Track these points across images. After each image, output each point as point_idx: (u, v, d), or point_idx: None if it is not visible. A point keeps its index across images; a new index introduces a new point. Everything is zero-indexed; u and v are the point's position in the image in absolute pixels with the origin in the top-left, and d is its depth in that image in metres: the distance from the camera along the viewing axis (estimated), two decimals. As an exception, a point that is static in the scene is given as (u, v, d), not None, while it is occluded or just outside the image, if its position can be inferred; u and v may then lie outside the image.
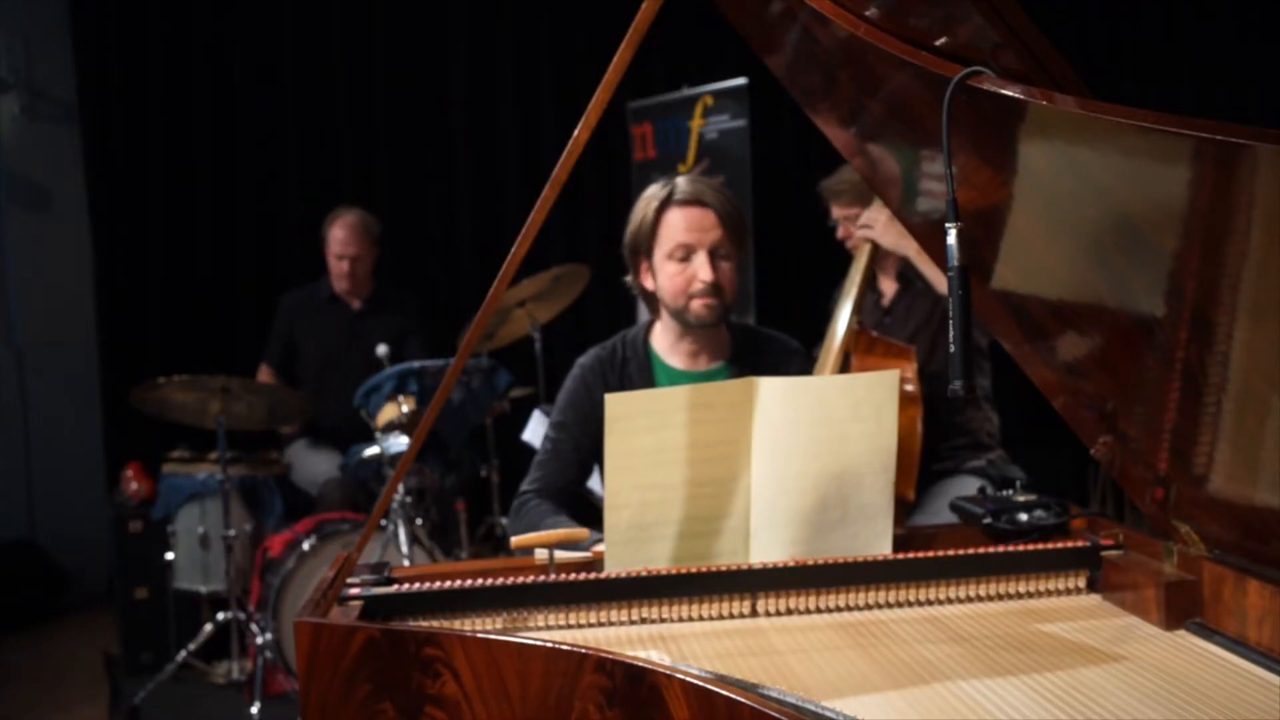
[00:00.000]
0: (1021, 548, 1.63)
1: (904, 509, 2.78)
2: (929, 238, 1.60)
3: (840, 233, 3.36)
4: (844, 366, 3.06)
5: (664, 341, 2.40)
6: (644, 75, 5.42)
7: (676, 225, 2.26)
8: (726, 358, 2.39)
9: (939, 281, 2.96)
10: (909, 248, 3.03)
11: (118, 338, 5.16)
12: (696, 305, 2.28)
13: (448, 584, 1.56)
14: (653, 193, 2.31)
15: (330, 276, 4.51)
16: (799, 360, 2.45)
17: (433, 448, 3.80)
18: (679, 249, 2.26)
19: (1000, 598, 1.62)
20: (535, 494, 2.31)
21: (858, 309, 3.12)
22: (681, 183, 2.28)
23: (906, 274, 3.17)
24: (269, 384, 4.25)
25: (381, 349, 4.00)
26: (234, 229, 5.33)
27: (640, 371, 2.38)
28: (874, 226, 3.09)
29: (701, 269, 2.25)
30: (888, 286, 3.24)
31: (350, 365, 4.35)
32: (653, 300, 2.38)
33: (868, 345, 3.04)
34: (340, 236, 4.42)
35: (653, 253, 2.31)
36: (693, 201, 2.25)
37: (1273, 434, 1.17)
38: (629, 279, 2.42)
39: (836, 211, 3.35)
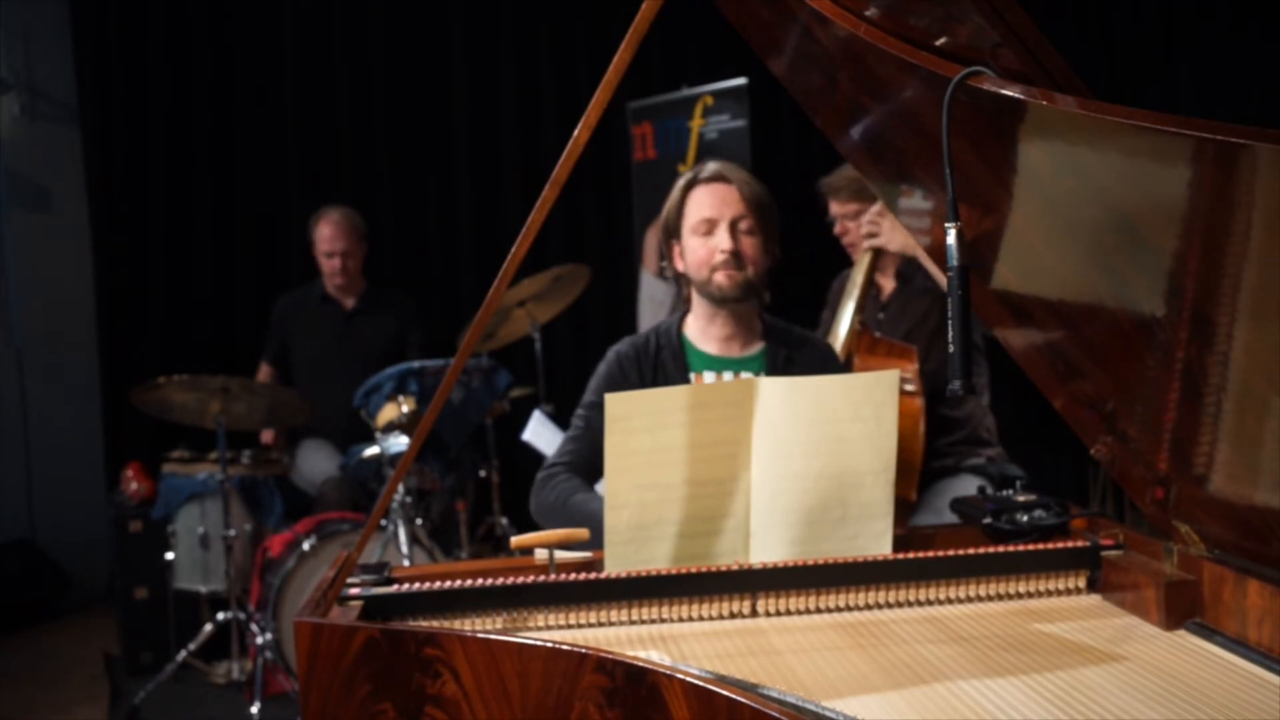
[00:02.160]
0: (1021, 548, 1.63)
1: (905, 509, 2.78)
2: (929, 238, 1.60)
3: (837, 229, 3.35)
4: (846, 366, 3.06)
5: (696, 328, 2.42)
6: (644, 75, 5.42)
7: (701, 201, 2.35)
8: (761, 347, 2.41)
9: (945, 281, 2.95)
10: (916, 247, 3.02)
11: (118, 338, 5.16)
12: (719, 277, 2.32)
13: (448, 584, 1.57)
14: (683, 179, 2.39)
15: (323, 277, 4.51)
16: (835, 361, 2.47)
17: (433, 448, 3.80)
18: (703, 224, 2.33)
19: (1000, 598, 1.62)
20: (566, 468, 2.32)
21: (860, 309, 3.11)
22: (710, 165, 2.38)
23: (905, 272, 3.16)
24: (269, 384, 4.25)
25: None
26: (234, 229, 5.34)
27: (674, 359, 2.40)
28: (880, 233, 3.08)
29: (722, 239, 2.31)
30: (885, 283, 3.24)
31: (344, 365, 4.35)
32: (685, 284, 2.43)
33: (870, 345, 3.04)
34: (327, 234, 4.42)
35: (681, 232, 2.37)
36: (715, 178, 2.34)
37: (1273, 434, 1.17)
38: (664, 264, 2.48)
39: (835, 208, 3.34)
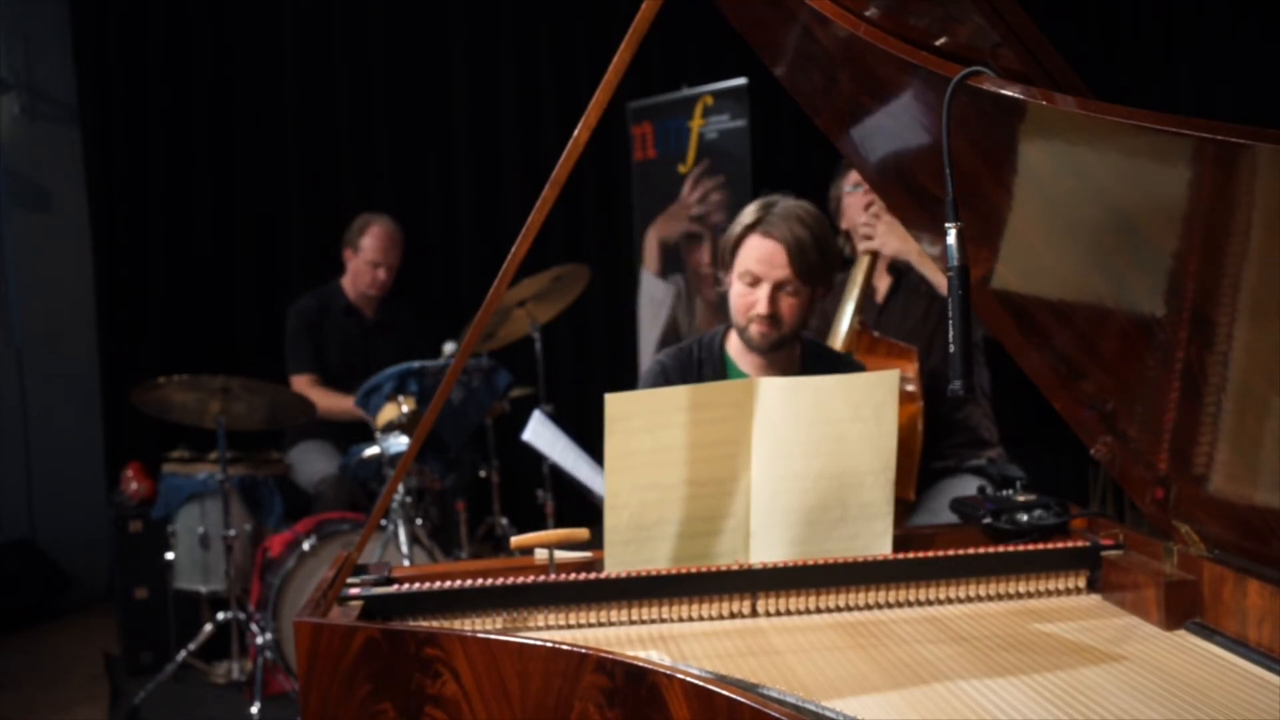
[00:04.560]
0: (1021, 548, 1.63)
1: (904, 509, 2.77)
2: (929, 238, 1.60)
3: (863, 193, 3.28)
4: None
5: (737, 347, 2.44)
6: (644, 75, 5.42)
7: (750, 253, 2.32)
8: (797, 371, 2.42)
9: (940, 283, 2.95)
10: (910, 251, 3.02)
11: (118, 338, 5.16)
12: (754, 329, 2.33)
13: (448, 584, 1.57)
14: (752, 209, 2.35)
15: (347, 281, 4.44)
16: None
17: (433, 448, 3.80)
18: (748, 275, 2.32)
19: (1000, 598, 1.62)
20: None
21: (859, 309, 3.11)
22: (776, 212, 2.32)
23: (899, 267, 3.15)
24: (268, 384, 4.23)
25: (449, 346, 4.07)
26: (234, 229, 5.33)
27: (715, 374, 2.42)
28: (874, 236, 3.07)
29: (761, 301, 2.30)
30: (881, 281, 3.23)
31: (361, 376, 4.34)
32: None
33: (869, 345, 3.04)
34: (378, 245, 4.35)
35: (732, 268, 2.37)
36: (770, 234, 2.30)
37: (1273, 434, 1.17)
38: (719, 274, 2.47)
39: (857, 175, 3.29)
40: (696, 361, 2.44)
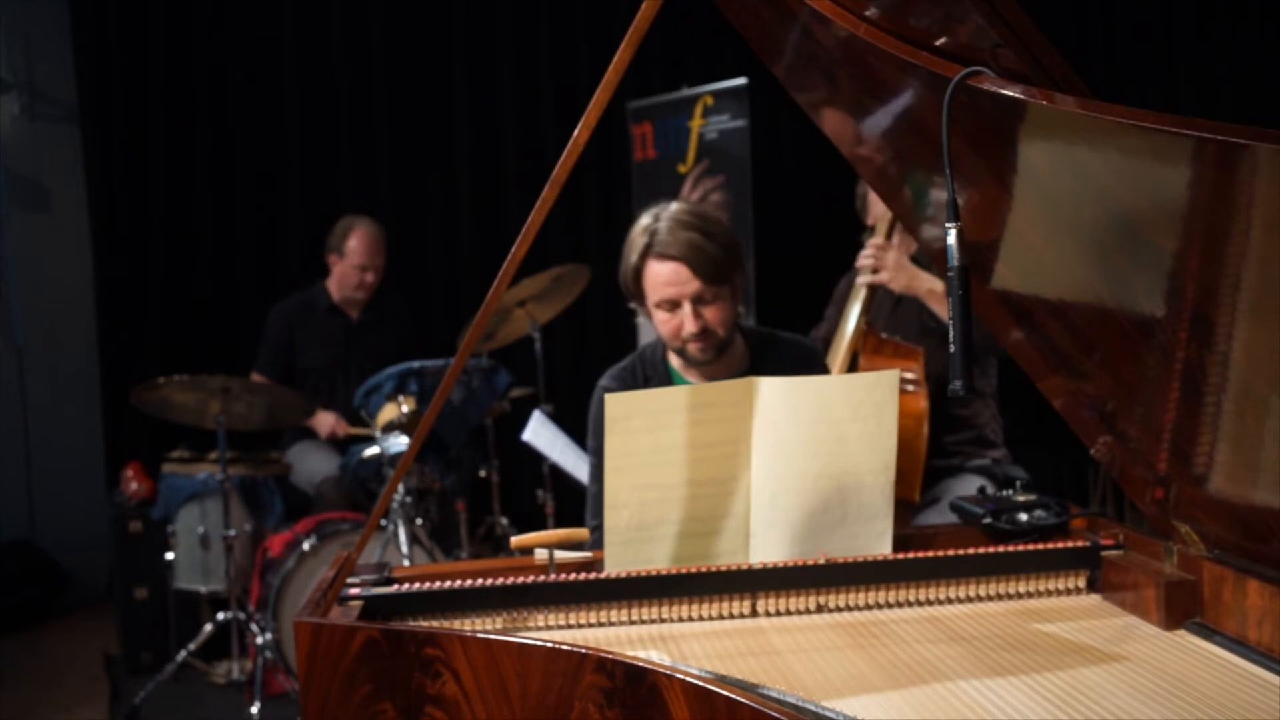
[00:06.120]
0: (1021, 548, 1.63)
1: (908, 510, 2.77)
2: (931, 238, 1.60)
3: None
4: (852, 366, 3.05)
5: (680, 361, 2.41)
6: (644, 75, 5.42)
7: (656, 280, 2.28)
8: (745, 367, 2.39)
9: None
10: (919, 289, 2.97)
11: (118, 338, 5.16)
12: (691, 349, 2.30)
13: (448, 584, 1.57)
14: (638, 235, 2.30)
15: (332, 284, 4.46)
16: (816, 360, 2.45)
17: (433, 448, 3.80)
18: (664, 303, 2.28)
19: (1000, 598, 1.62)
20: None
21: (866, 309, 3.09)
22: (661, 230, 2.26)
23: (919, 259, 3.11)
24: (269, 384, 4.24)
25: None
26: (234, 229, 5.33)
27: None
28: (882, 270, 3.03)
29: (687, 320, 2.27)
30: None
31: (350, 376, 4.35)
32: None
33: (876, 345, 3.03)
34: (363, 247, 4.36)
35: (644, 299, 2.33)
36: (665, 256, 2.25)
37: (1273, 434, 1.17)
38: (634, 305, 2.42)
39: None
40: (643, 379, 2.40)
